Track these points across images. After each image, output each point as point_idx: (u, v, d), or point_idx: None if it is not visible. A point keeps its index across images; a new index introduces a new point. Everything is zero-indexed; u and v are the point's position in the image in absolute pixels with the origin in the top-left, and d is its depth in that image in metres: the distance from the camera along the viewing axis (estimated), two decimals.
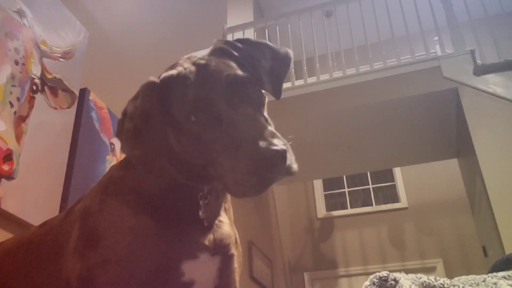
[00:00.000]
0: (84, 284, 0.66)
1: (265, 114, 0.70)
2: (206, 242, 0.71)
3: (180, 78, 0.69)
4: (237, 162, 0.60)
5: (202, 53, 0.73)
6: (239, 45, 0.75)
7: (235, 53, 0.73)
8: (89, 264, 0.67)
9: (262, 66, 0.75)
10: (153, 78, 0.72)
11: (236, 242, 0.79)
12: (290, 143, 0.64)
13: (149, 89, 0.71)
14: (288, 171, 0.61)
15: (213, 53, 0.72)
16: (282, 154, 0.58)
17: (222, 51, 0.73)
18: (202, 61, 0.70)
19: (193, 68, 0.69)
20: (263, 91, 0.73)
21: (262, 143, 0.59)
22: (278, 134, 0.62)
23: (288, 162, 0.60)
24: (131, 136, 0.69)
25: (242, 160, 0.59)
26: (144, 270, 0.65)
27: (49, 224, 0.84)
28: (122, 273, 0.65)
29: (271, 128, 0.64)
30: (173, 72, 0.70)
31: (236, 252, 0.78)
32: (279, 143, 0.59)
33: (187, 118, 0.65)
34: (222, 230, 0.75)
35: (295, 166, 0.62)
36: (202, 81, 0.67)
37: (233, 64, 0.70)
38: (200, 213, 0.71)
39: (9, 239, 0.93)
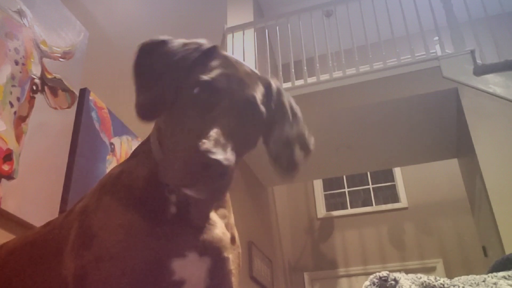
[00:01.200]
0: (79, 282, 0.67)
1: (241, 156, 0.68)
2: (194, 241, 0.70)
3: (222, 58, 0.72)
4: (185, 148, 0.60)
5: (254, 70, 0.76)
6: (281, 95, 0.77)
7: (273, 96, 0.75)
8: (83, 262, 0.67)
9: (283, 132, 0.75)
10: (203, 41, 0.75)
11: (234, 243, 0.79)
12: None
13: (197, 47, 0.73)
14: (215, 192, 0.60)
15: (260, 77, 0.76)
16: (222, 167, 0.56)
17: (266, 84, 0.76)
18: (248, 71, 0.73)
19: (238, 67, 0.72)
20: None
21: (213, 147, 0.57)
22: (232, 157, 0.59)
23: (222, 182, 0.58)
24: (150, 77, 0.69)
25: (188, 148, 0.59)
26: (135, 268, 0.66)
27: (52, 224, 0.85)
28: (114, 271, 0.65)
29: (230, 152, 0.60)
30: (223, 51, 0.74)
31: (233, 254, 0.77)
32: (226, 159, 0.57)
33: (192, 86, 0.67)
34: (212, 233, 0.74)
35: (224, 193, 0.61)
36: (233, 78, 0.69)
37: (261, 95, 0.72)
38: (172, 208, 0.71)
39: (13, 239, 0.94)
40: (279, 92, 0.77)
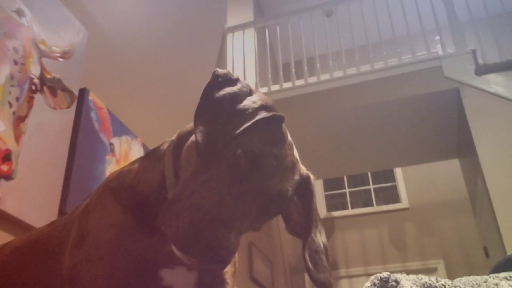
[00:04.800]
0: (70, 281, 0.67)
1: (242, 233, 0.64)
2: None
3: (282, 137, 0.66)
4: (198, 210, 0.55)
5: (297, 157, 0.70)
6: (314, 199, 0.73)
7: (313, 204, 0.71)
8: (75, 261, 0.67)
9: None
10: (277, 113, 0.67)
11: None
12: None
13: (267, 109, 0.65)
14: (207, 273, 0.59)
15: (303, 174, 0.70)
16: (227, 257, 0.54)
17: (304, 178, 0.70)
18: (295, 157, 0.68)
19: (289, 152, 0.66)
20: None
21: (225, 231, 0.53)
22: (237, 242, 0.56)
23: (218, 269, 0.56)
24: (213, 112, 0.63)
25: (201, 216, 0.54)
26: (123, 269, 0.65)
27: (56, 222, 0.85)
28: (103, 271, 0.65)
29: (237, 238, 0.57)
30: (287, 131, 0.68)
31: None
32: (231, 252, 0.54)
33: (240, 146, 0.61)
34: None
35: (214, 277, 0.59)
36: (278, 159, 0.63)
37: (292, 190, 0.66)
38: None
39: (18, 237, 0.94)
40: (312, 190, 0.72)
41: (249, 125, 0.62)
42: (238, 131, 0.61)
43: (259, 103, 0.66)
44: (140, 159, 0.77)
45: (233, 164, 0.60)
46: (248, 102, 0.65)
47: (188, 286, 0.70)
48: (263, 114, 0.64)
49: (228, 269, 0.76)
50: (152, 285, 0.67)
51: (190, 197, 0.56)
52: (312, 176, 0.72)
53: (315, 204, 0.73)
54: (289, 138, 0.69)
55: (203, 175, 0.59)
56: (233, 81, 0.67)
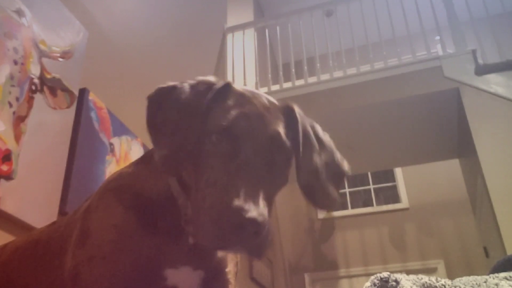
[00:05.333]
0: (73, 281, 0.67)
1: (275, 197, 0.64)
2: (188, 257, 0.69)
3: (237, 95, 0.66)
4: (214, 204, 0.56)
5: (271, 99, 0.71)
6: (306, 125, 0.71)
7: (299, 126, 0.69)
8: (77, 261, 0.67)
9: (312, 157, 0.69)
10: (213, 79, 0.69)
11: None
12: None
13: (208, 87, 0.67)
14: (253, 251, 0.56)
15: (280, 107, 0.70)
16: (257, 225, 0.53)
17: (287, 112, 0.70)
18: (266, 103, 0.68)
19: (255, 102, 0.66)
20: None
21: (243, 203, 0.53)
22: (265, 211, 0.56)
23: (258, 240, 0.54)
24: (166, 130, 0.64)
25: (218, 205, 0.55)
26: (126, 269, 0.65)
27: (58, 223, 0.85)
28: (105, 271, 0.65)
29: (265, 203, 0.56)
30: (236, 87, 0.68)
31: (231, 263, 0.76)
32: (260, 215, 0.53)
33: (210, 133, 0.62)
34: (213, 256, 0.72)
35: (263, 252, 0.56)
36: (252, 117, 0.63)
37: (284, 128, 0.66)
38: (190, 239, 0.68)
39: (19, 238, 0.94)
40: (302, 118, 0.72)
41: (202, 113, 0.64)
42: (196, 123, 0.63)
43: (202, 86, 0.67)
44: (138, 164, 0.76)
45: (217, 151, 0.61)
46: (188, 90, 0.67)
47: (193, 285, 0.70)
48: (208, 96, 0.65)
49: (231, 269, 0.76)
50: (156, 285, 0.67)
51: (203, 203, 0.57)
52: (295, 106, 0.72)
53: (306, 127, 0.71)
54: (248, 89, 0.70)
55: (201, 176, 0.60)
56: (169, 90, 0.68)
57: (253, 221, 0.52)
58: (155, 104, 0.67)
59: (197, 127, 0.63)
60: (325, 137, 0.75)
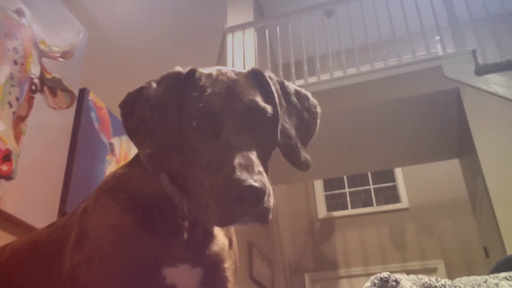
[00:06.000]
0: (71, 282, 0.67)
1: (268, 160, 0.66)
2: (186, 255, 0.69)
3: (204, 78, 0.68)
4: (212, 185, 0.57)
5: (238, 71, 0.72)
6: (276, 84, 0.73)
7: (272, 88, 0.70)
8: (75, 262, 0.67)
9: (293, 114, 0.72)
10: (179, 69, 0.70)
11: (231, 248, 0.78)
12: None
13: (175, 78, 0.69)
14: (260, 217, 0.57)
15: (248, 75, 0.71)
16: (256, 191, 0.55)
17: (257, 77, 0.71)
18: (234, 76, 0.69)
19: (224, 78, 0.68)
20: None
21: (239, 174, 0.55)
22: (265, 177, 0.58)
23: (262, 205, 0.56)
24: (144, 130, 0.65)
25: (216, 185, 0.57)
26: (125, 269, 0.65)
27: (56, 224, 0.85)
28: (104, 271, 0.65)
29: (260, 169, 0.58)
30: (202, 70, 0.70)
31: (230, 261, 0.77)
32: (257, 181, 0.55)
33: (190, 120, 0.64)
34: (210, 250, 0.73)
35: (269, 216, 0.58)
36: (224, 93, 0.65)
37: (258, 94, 0.68)
38: (185, 235, 0.68)
39: (18, 239, 0.94)
40: (273, 79, 0.73)
41: (176, 104, 0.65)
42: (172, 115, 0.64)
43: (169, 80, 0.68)
44: (132, 164, 0.76)
45: (201, 134, 0.63)
46: (156, 92, 0.68)
47: (192, 284, 0.70)
48: (177, 84, 0.67)
49: (230, 266, 0.76)
50: (155, 285, 0.67)
51: (202, 188, 0.60)
52: (265, 70, 0.74)
53: (277, 87, 0.73)
54: (213, 68, 0.71)
55: (193, 163, 0.63)
56: (137, 92, 0.70)
57: (252, 188, 0.54)
58: (127, 109, 0.69)
59: (174, 119, 0.65)
60: (298, 95, 0.77)
